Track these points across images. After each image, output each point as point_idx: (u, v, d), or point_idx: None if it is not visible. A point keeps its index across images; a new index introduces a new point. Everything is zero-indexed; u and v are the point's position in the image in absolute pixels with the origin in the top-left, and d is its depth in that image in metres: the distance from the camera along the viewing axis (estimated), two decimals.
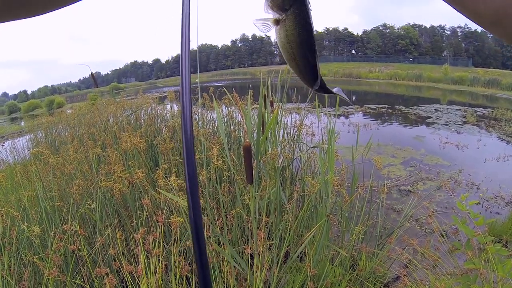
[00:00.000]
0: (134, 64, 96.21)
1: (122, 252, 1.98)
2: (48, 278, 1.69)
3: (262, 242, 1.75)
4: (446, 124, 10.18)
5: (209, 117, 4.83)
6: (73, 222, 1.97)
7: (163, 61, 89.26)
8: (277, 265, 2.01)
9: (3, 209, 2.04)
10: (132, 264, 1.85)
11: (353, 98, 19.77)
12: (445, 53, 51.41)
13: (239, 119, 4.16)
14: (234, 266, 1.96)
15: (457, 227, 2.08)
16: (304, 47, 0.48)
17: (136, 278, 1.62)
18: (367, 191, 2.70)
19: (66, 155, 3.46)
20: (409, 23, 56.80)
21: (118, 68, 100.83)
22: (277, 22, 0.47)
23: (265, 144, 2.49)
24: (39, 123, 8.75)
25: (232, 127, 4.22)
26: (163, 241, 1.77)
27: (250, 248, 1.85)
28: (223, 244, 1.96)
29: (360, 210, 2.62)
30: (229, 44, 76.45)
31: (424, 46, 54.70)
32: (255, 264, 1.73)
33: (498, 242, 2.96)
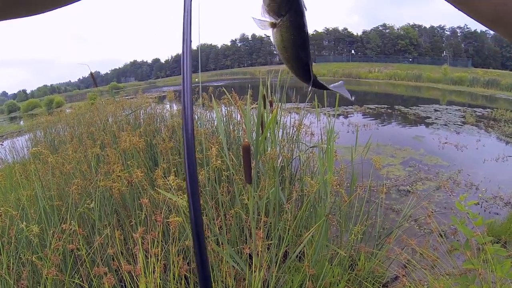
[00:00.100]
0: (134, 63, 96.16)
1: (121, 252, 1.98)
2: (46, 278, 1.69)
3: (261, 242, 1.75)
4: (445, 125, 10.19)
5: (208, 116, 4.83)
6: (72, 221, 1.97)
7: (162, 60, 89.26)
8: (275, 265, 2.01)
9: (2, 209, 2.03)
10: (130, 264, 1.85)
11: (353, 98, 19.76)
12: (444, 54, 51.37)
13: (238, 119, 4.16)
14: (233, 266, 1.96)
15: (456, 227, 2.08)
16: (298, 50, 0.49)
17: (134, 277, 1.61)
18: (366, 191, 2.70)
19: (65, 154, 3.46)
20: (409, 23, 56.84)
21: (117, 68, 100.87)
22: (274, 25, 0.48)
23: (264, 144, 2.49)
24: (38, 123, 8.74)
25: (231, 127, 4.22)
26: (161, 241, 1.77)
27: (249, 247, 1.85)
28: (222, 244, 1.96)
29: (359, 210, 2.63)
30: (229, 43, 76.48)
31: (423, 46, 54.71)
32: (253, 264, 1.73)
33: (497, 243, 2.96)
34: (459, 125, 10.18)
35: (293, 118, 4.00)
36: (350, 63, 48.25)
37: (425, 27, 56.16)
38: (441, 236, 2.52)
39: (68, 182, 2.84)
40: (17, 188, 3.05)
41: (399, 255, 2.18)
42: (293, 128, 3.81)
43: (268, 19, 0.48)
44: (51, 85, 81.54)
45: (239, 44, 75.85)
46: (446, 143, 7.93)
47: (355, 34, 62.98)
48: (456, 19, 58.40)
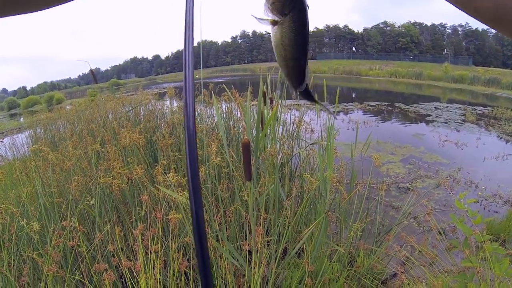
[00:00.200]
0: (134, 60, 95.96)
1: (121, 248, 1.99)
2: (47, 274, 1.70)
3: (261, 238, 1.75)
4: (445, 122, 10.19)
5: (208, 113, 4.83)
6: (72, 218, 1.97)
7: (162, 57, 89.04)
8: (275, 261, 2.01)
9: (2, 206, 2.04)
10: (131, 260, 1.86)
11: (353, 96, 19.78)
12: (445, 52, 51.25)
13: (239, 116, 4.16)
14: (232, 262, 1.97)
15: (455, 225, 2.09)
16: (298, 50, 0.49)
17: (134, 273, 1.62)
18: (365, 188, 2.71)
19: (65, 151, 3.46)
20: (410, 21, 56.67)
21: (117, 64, 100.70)
22: (275, 23, 0.48)
23: (264, 141, 2.50)
24: (38, 119, 8.74)
25: (231, 124, 4.22)
26: (161, 237, 1.78)
27: (249, 244, 1.85)
28: (222, 240, 1.97)
29: (359, 207, 2.63)
30: (229, 40, 76.30)
31: (424, 44, 54.56)
32: (253, 260, 1.73)
33: (496, 241, 2.96)
34: (460, 123, 10.18)
35: (293, 115, 4.00)
36: (350, 60, 48.18)
37: (426, 25, 56.00)
38: (440, 233, 2.53)
39: (68, 179, 2.84)
40: (18, 185, 3.05)
41: (398, 252, 2.19)
42: (293, 125, 3.81)
43: (271, 17, 0.48)
44: (51, 81, 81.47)
45: (239, 41, 75.71)
46: (446, 141, 7.93)
47: (355, 31, 62.83)
48: (457, 18, 58.29)
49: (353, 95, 19.98)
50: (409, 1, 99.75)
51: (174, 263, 1.71)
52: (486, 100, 17.05)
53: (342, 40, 63.56)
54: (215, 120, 4.56)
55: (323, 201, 2.30)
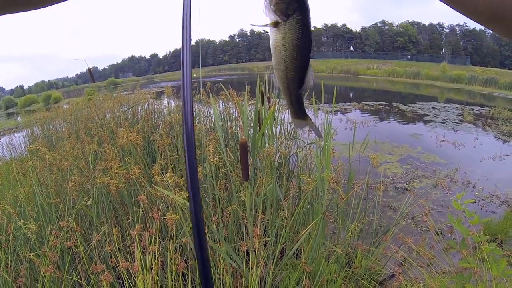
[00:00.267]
0: (132, 59, 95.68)
1: (119, 249, 1.99)
2: (44, 275, 1.69)
3: (258, 239, 1.75)
4: (443, 122, 10.22)
5: (206, 112, 4.82)
6: (70, 218, 1.97)
7: (160, 56, 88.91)
8: (272, 262, 2.02)
9: None
10: (128, 261, 1.86)
11: (351, 95, 19.79)
12: (443, 51, 51.38)
13: (236, 115, 4.15)
14: (230, 263, 1.97)
15: (452, 225, 2.09)
16: (300, 52, 0.49)
17: (132, 274, 1.62)
18: (363, 189, 2.71)
19: (62, 151, 3.45)
20: (408, 21, 56.74)
21: (115, 63, 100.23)
22: (276, 24, 0.47)
23: (261, 141, 2.49)
24: (35, 119, 8.70)
25: (229, 123, 4.21)
26: (159, 238, 1.77)
27: (246, 245, 1.85)
28: (219, 241, 1.96)
29: (356, 208, 2.63)
30: (227, 39, 76.26)
31: (422, 43, 54.66)
32: (250, 261, 1.73)
33: (493, 241, 2.97)
34: (457, 123, 10.21)
35: None
36: (348, 60, 48.22)
37: (424, 25, 56.09)
38: (438, 234, 2.54)
39: (65, 178, 2.83)
40: (15, 185, 3.05)
41: (395, 253, 2.19)
42: (290, 125, 3.81)
43: (273, 18, 0.47)
44: (49, 80, 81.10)
45: (237, 40, 75.64)
46: (443, 141, 7.95)
47: (353, 30, 62.90)
48: (455, 17, 58.42)
49: (351, 95, 20.00)
50: (409, 1, 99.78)
51: (172, 263, 1.71)
52: (483, 100, 17.10)
53: (340, 39, 63.58)
54: (213, 119, 4.55)
55: (321, 202, 2.30)
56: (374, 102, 14.67)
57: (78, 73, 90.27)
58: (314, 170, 3.27)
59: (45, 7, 0.39)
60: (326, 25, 64.33)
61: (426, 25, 55.92)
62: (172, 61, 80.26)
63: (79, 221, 2.44)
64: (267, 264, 2.09)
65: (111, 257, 1.96)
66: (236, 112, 4.06)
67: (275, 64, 0.52)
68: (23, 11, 0.37)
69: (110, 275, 1.57)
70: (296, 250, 2.25)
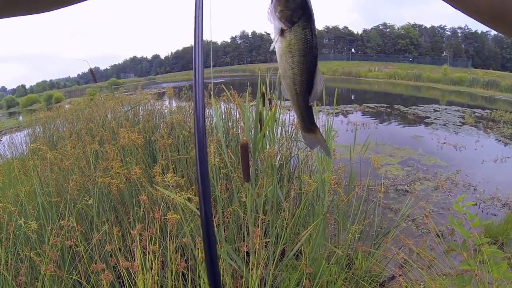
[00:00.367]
0: (133, 59, 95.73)
1: (119, 248, 1.99)
2: (44, 274, 1.69)
3: (259, 240, 1.75)
4: (444, 125, 10.21)
5: (207, 113, 4.82)
6: (70, 217, 1.97)
7: (162, 57, 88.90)
8: (273, 263, 2.01)
9: (0, 204, 2.04)
10: (128, 260, 1.86)
11: (352, 97, 19.80)
12: (444, 54, 51.31)
13: (237, 117, 4.16)
14: (230, 264, 1.97)
15: (453, 228, 2.09)
16: (306, 58, 0.49)
17: (132, 274, 1.62)
18: (364, 190, 2.70)
19: (64, 150, 3.45)
20: (409, 23, 56.74)
21: (117, 64, 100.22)
22: (281, 31, 0.47)
23: (262, 142, 2.49)
24: (37, 118, 8.71)
25: (230, 124, 4.22)
26: (159, 238, 1.78)
27: (247, 245, 1.85)
28: (220, 241, 1.96)
29: (357, 209, 2.63)
30: (229, 40, 76.31)
31: (424, 46, 54.63)
32: (251, 262, 1.73)
33: (494, 244, 2.97)
34: (458, 125, 10.20)
35: (292, 116, 4.00)
36: (350, 62, 48.23)
37: (425, 27, 56.09)
38: (438, 236, 2.53)
39: (66, 178, 2.84)
40: (16, 184, 3.05)
41: (396, 254, 2.19)
42: (292, 126, 3.81)
43: (278, 25, 0.47)
44: (50, 80, 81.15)
45: (239, 41, 75.71)
46: (445, 143, 7.94)
47: (355, 32, 62.90)
48: (456, 20, 58.39)
49: (352, 97, 20.01)
50: (409, 1, 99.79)
51: (172, 263, 1.71)
52: (485, 102, 17.09)
53: (341, 41, 63.59)
54: (214, 120, 4.56)
55: (321, 203, 2.30)
56: (376, 104, 14.66)
57: (80, 73, 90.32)
58: (315, 171, 3.27)
59: (47, 11, 0.39)
60: (328, 27, 64.38)
61: (428, 27, 55.93)
62: (174, 62, 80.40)
63: (80, 220, 2.44)
64: (268, 265, 2.09)
65: (111, 256, 1.96)
66: (237, 113, 4.07)
67: (282, 72, 0.51)
68: (24, 15, 0.37)
69: (110, 274, 1.57)
70: (297, 251, 2.25)
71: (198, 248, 1.80)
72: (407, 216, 2.91)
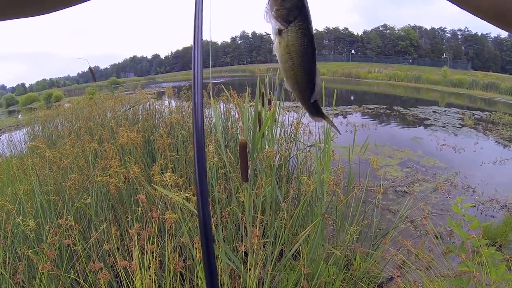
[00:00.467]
0: (133, 59, 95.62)
1: (117, 247, 1.98)
2: (42, 272, 1.69)
3: (257, 240, 1.75)
4: (443, 126, 10.22)
5: (206, 113, 4.82)
6: (68, 216, 1.97)
7: (162, 56, 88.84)
8: (271, 263, 2.01)
9: None
10: (126, 259, 1.85)
11: (352, 98, 19.81)
12: (444, 56, 51.37)
13: (237, 117, 4.16)
14: (228, 264, 1.97)
15: (451, 229, 2.09)
16: (305, 58, 0.48)
17: (130, 273, 1.62)
18: (363, 191, 2.70)
19: (62, 149, 3.45)
20: (410, 25, 56.78)
21: (117, 63, 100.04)
22: (279, 32, 0.47)
23: (261, 142, 2.49)
24: (36, 117, 8.71)
25: (229, 124, 4.22)
26: (157, 237, 1.77)
27: (245, 245, 1.85)
28: (218, 241, 1.96)
29: (356, 210, 2.63)
30: (229, 41, 76.31)
31: (424, 47, 54.69)
32: (249, 262, 1.73)
33: (493, 246, 2.97)
34: (458, 127, 10.20)
35: (291, 116, 4.00)
36: (350, 63, 48.26)
37: (425, 29, 56.18)
38: (437, 238, 2.53)
39: (65, 177, 2.83)
40: (14, 182, 3.05)
41: (394, 256, 2.19)
42: (291, 127, 3.81)
43: (274, 24, 0.47)
44: (50, 79, 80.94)
45: (239, 42, 75.73)
46: (444, 145, 7.95)
47: (355, 33, 62.96)
48: (457, 22, 58.45)
49: (352, 98, 20.02)
50: (409, 1, 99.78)
51: (170, 263, 1.71)
52: (484, 104, 17.11)
53: (341, 42, 63.65)
54: (213, 120, 4.55)
55: (320, 204, 2.29)
56: (375, 106, 14.68)
57: (80, 72, 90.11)
58: (313, 172, 3.27)
59: (47, 13, 0.39)
60: (328, 28, 64.45)
61: (428, 29, 56.01)
62: (173, 62, 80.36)
63: (78, 219, 2.44)
64: (266, 265, 2.08)
65: (109, 255, 1.95)
66: (236, 113, 4.06)
67: (284, 72, 0.51)
68: (26, 17, 0.37)
69: (108, 273, 1.57)
70: (295, 252, 2.25)
71: (196, 248, 1.80)
72: (406, 217, 2.91)
